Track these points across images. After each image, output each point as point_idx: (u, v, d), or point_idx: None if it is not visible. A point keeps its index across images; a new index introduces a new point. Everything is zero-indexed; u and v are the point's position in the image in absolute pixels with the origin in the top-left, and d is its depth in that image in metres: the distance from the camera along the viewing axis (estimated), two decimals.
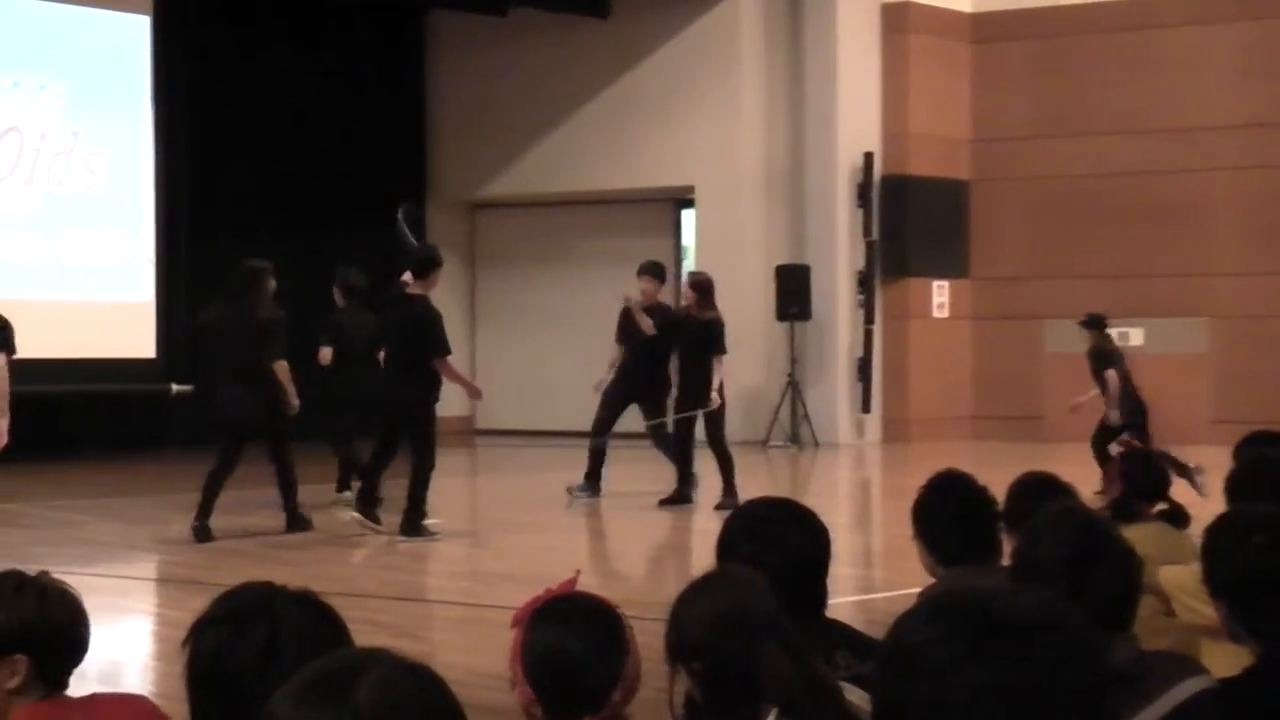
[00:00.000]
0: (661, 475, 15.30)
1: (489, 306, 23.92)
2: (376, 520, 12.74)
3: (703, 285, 14.74)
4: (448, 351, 12.66)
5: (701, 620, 3.29)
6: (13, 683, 3.53)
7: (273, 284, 12.64)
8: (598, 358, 15.38)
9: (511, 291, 23.43)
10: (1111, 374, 15.11)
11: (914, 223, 21.95)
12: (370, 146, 22.80)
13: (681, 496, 14.55)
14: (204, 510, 12.45)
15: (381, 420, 13.06)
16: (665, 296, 22.69)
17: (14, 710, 3.51)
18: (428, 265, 12.79)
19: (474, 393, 13.82)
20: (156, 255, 20.53)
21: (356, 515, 12.70)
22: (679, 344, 14.76)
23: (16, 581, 3.62)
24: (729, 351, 14.75)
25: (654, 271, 15.20)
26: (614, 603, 3.26)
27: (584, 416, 15.52)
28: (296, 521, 12.88)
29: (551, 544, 13.48)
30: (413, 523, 12.59)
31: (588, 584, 3.23)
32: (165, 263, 20.60)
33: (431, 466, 12.65)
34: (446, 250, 23.12)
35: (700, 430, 14.56)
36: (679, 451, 14.64)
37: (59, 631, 3.59)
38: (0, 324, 11.27)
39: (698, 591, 3.37)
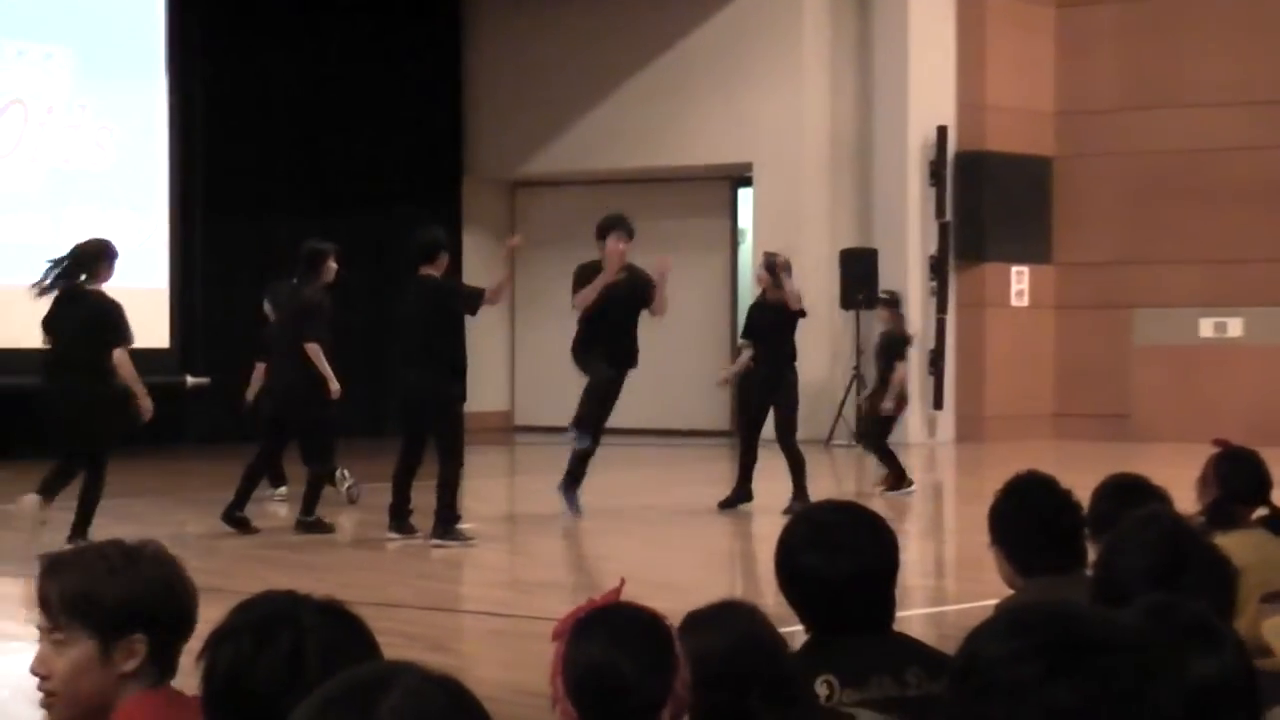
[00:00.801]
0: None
1: (529, 293, 23.91)
2: (412, 530, 12.78)
3: (775, 268, 14.76)
4: (477, 305, 12.87)
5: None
6: (129, 665, 3.29)
7: (333, 266, 13.22)
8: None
9: (553, 277, 23.31)
10: (901, 365, 16.15)
11: (991, 203, 21.86)
12: (402, 120, 22.82)
13: (741, 497, 14.54)
14: (238, 500, 13.04)
15: (403, 421, 13.20)
16: (723, 280, 22.93)
17: (124, 697, 3.30)
18: (434, 249, 12.96)
19: (504, 285, 13.62)
20: (171, 238, 20.61)
21: (393, 535, 12.78)
22: (753, 333, 14.76)
23: (127, 549, 3.34)
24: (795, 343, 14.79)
25: (624, 226, 14.22)
26: (663, 614, 3.26)
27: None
28: (310, 524, 13.01)
29: (595, 550, 13.50)
30: (446, 526, 12.61)
31: (634, 593, 3.23)
32: (180, 246, 20.68)
33: (460, 465, 12.69)
34: (484, 231, 23.33)
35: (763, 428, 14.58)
36: (745, 448, 14.65)
37: (180, 607, 3.34)
38: (106, 309, 11.84)
39: (683, 634, 3.36)
